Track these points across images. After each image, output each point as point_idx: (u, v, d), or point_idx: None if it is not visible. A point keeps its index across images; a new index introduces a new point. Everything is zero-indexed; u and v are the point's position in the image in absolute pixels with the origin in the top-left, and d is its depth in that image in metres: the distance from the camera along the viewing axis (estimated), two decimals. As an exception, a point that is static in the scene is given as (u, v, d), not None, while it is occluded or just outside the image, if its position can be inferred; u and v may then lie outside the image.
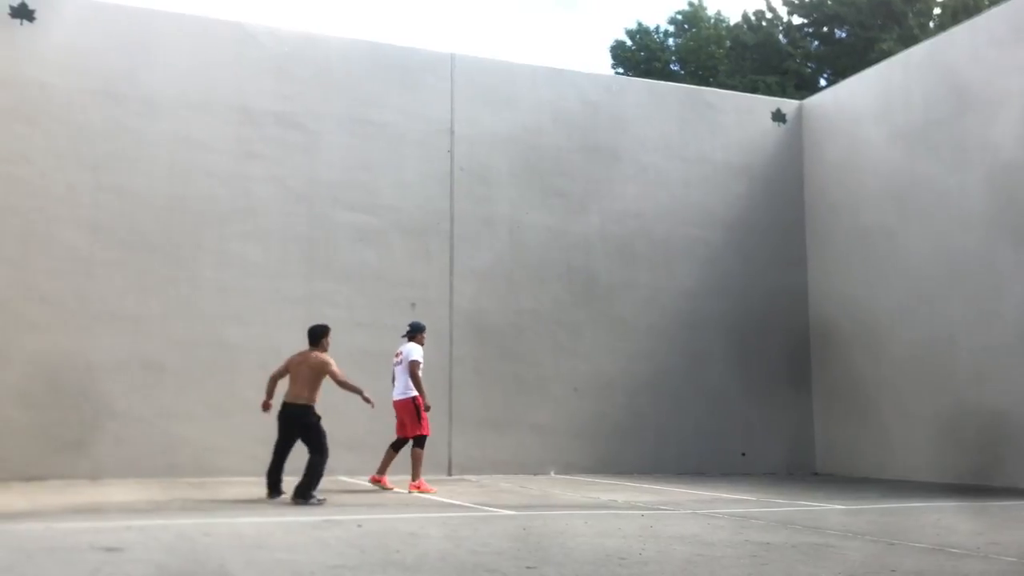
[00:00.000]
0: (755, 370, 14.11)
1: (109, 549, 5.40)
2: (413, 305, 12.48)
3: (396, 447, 10.17)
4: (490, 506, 8.38)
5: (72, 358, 10.85)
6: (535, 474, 12.26)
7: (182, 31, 12.05)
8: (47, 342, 10.80)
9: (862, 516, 7.96)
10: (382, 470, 10.11)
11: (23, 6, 11.29)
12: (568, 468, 12.05)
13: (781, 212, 14.77)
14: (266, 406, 9.04)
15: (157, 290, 11.39)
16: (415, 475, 9.85)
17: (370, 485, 10.21)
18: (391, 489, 9.87)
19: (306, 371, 8.93)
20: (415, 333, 10.28)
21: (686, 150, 14.41)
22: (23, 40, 11.23)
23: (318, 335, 9.26)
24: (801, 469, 14.08)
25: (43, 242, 11.01)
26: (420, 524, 6.96)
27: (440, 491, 9.89)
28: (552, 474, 12.01)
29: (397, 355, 10.24)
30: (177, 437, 11.07)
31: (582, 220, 13.63)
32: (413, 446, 9.93)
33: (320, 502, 8.42)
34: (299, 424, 8.88)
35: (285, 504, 8.43)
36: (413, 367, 9.95)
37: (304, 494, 8.44)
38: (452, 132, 13.07)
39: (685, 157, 14.38)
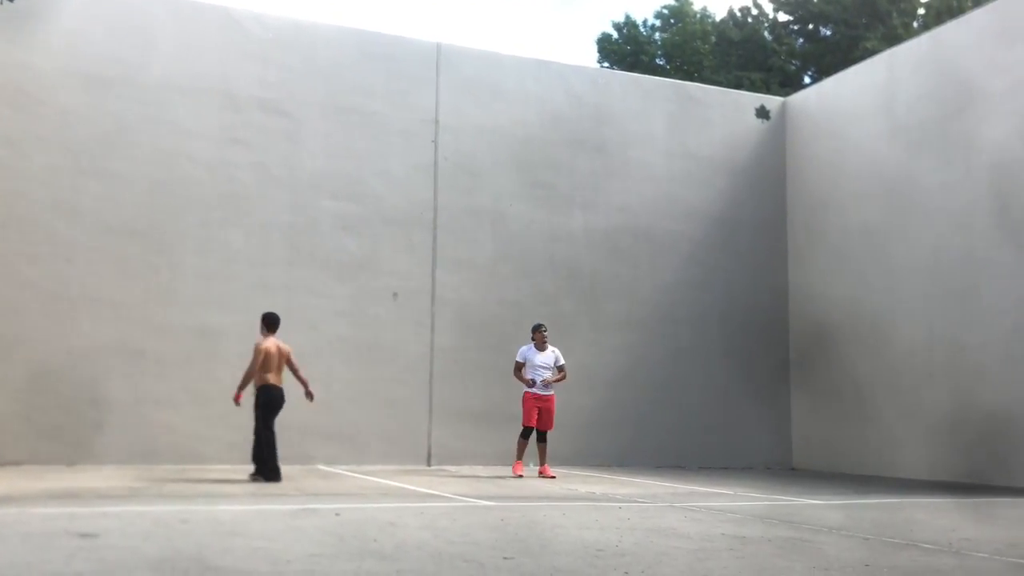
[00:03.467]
0: (735, 365, 14.20)
1: (84, 535, 5.38)
2: (395, 295, 12.48)
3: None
4: (469, 497, 8.40)
5: (52, 343, 10.78)
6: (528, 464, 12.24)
7: (168, 15, 11.95)
8: (26, 327, 10.72)
9: (838, 511, 8.03)
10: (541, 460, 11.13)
11: (5, -14, 11.17)
12: (548, 460, 12.08)
13: (764, 208, 14.85)
14: (238, 399, 9.41)
15: (138, 276, 11.32)
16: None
17: (358, 476, 10.24)
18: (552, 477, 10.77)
19: (280, 358, 9.46)
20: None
21: (671, 145, 14.44)
22: (5, 21, 11.10)
23: (278, 322, 9.69)
24: (779, 464, 14.19)
25: (23, 226, 10.92)
26: (398, 514, 6.97)
27: (419, 481, 9.91)
28: (531, 466, 12.03)
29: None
30: (156, 423, 11.03)
31: (566, 213, 13.65)
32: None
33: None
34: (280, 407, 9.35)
35: (263, 492, 8.42)
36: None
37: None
38: (437, 122, 13.04)
39: (670, 152, 14.42)
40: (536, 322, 11.45)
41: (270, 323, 9.68)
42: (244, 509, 7.08)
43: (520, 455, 11.11)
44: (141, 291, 11.29)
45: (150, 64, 11.73)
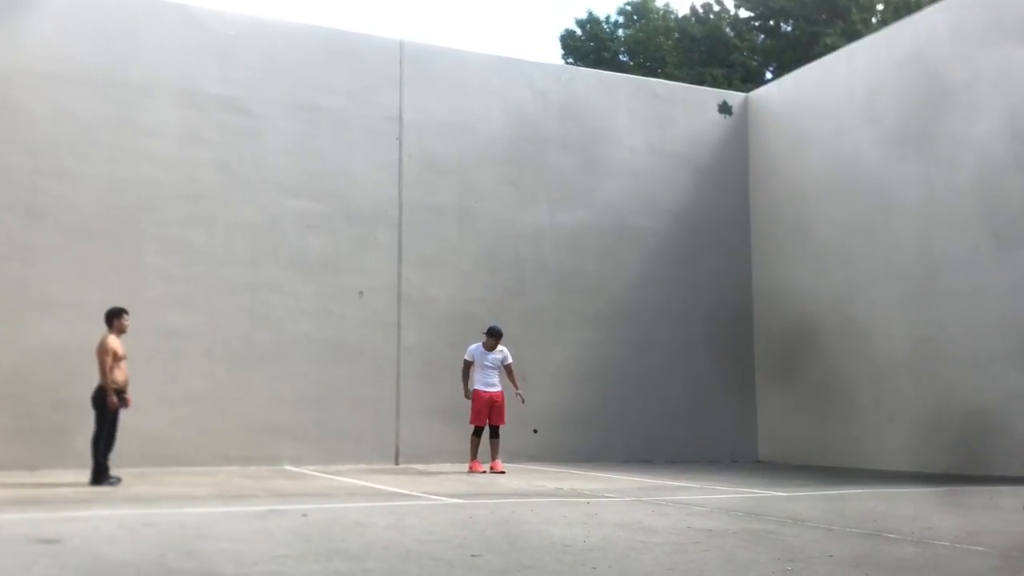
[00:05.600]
0: (701, 360, 14.31)
1: (46, 541, 5.30)
2: (361, 294, 12.42)
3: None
4: (437, 495, 8.38)
5: (10, 346, 10.60)
6: (483, 462, 12.26)
7: (127, 12, 11.79)
8: (-18, 329, 10.53)
9: (802, 503, 8.13)
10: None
11: (-43, -17, 10.95)
12: (515, 456, 12.10)
13: (727, 204, 14.97)
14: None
15: (98, 276, 11.15)
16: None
17: (325, 476, 10.18)
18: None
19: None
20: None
21: (634, 140, 14.51)
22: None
23: (107, 318, 9.22)
24: (745, 457, 14.32)
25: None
26: (366, 513, 6.94)
27: (387, 480, 9.88)
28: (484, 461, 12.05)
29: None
30: (119, 426, 10.86)
31: (531, 209, 13.66)
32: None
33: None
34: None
35: (229, 494, 8.35)
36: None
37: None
38: (401, 120, 12.99)
39: (634, 148, 14.48)
40: (494, 325, 11.41)
41: (109, 319, 9.23)
42: (210, 511, 7.02)
43: (475, 453, 11.13)
44: (101, 292, 11.09)
45: (109, 62, 11.56)
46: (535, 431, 12.28)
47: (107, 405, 8.92)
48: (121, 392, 9.04)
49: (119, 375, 9.05)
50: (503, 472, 10.85)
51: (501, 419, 11.23)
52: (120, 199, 11.41)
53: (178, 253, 11.58)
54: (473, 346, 11.36)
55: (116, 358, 9.05)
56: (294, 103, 12.45)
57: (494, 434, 11.19)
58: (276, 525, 6.15)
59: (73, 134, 11.29)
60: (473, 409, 11.16)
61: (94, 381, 9.03)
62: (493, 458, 11.11)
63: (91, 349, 9.26)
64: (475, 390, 11.18)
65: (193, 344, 11.45)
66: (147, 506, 7.25)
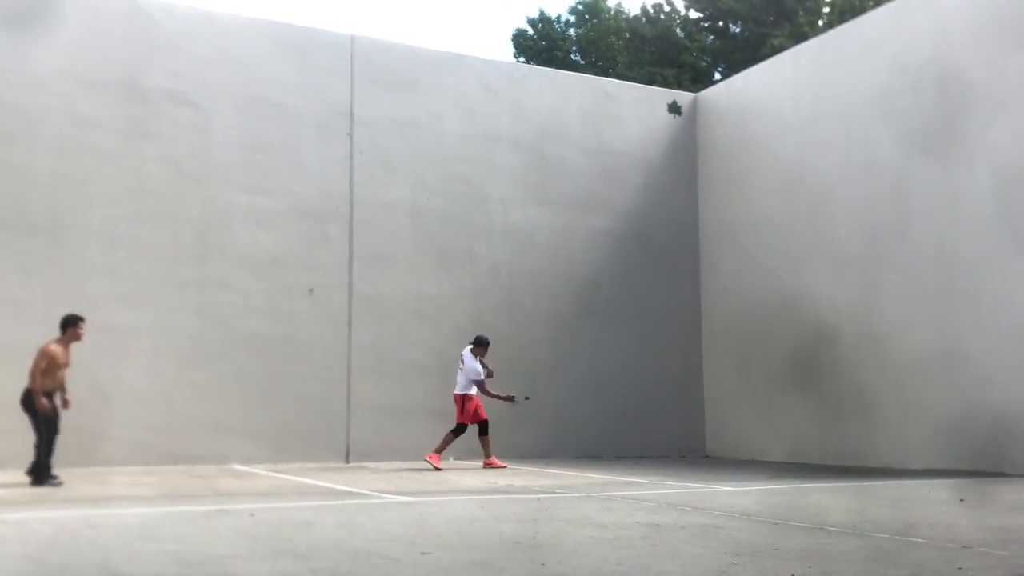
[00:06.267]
0: (650, 357, 14.45)
1: (-17, 543, 5.18)
2: (311, 291, 12.32)
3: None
4: (388, 493, 8.36)
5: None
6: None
7: (72, 3, 11.52)
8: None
9: (749, 497, 8.25)
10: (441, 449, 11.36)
11: None
12: (468, 453, 12.10)
13: (677, 203, 15.13)
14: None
15: (40, 272, 10.92)
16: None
17: (275, 475, 10.11)
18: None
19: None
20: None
21: (587, 140, 14.59)
22: None
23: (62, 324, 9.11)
24: (693, 452, 14.50)
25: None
26: (315, 512, 6.90)
27: (337, 478, 9.83)
28: (451, 459, 12.04)
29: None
30: (64, 424, 10.64)
31: (483, 207, 13.66)
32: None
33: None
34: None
35: (176, 494, 8.23)
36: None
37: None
38: (352, 115, 12.90)
39: (586, 147, 14.56)
40: (485, 338, 11.76)
41: (64, 325, 9.14)
42: (154, 512, 6.92)
43: (443, 448, 11.32)
44: (43, 288, 10.89)
45: (53, 54, 11.31)
46: (527, 398, 12.33)
47: (37, 407, 8.73)
48: (49, 395, 8.82)
49: (49, 380, 8.84)
50: (503, 466, 11.27)
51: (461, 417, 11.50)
52: (64, 193, 11.18)
53: (123, 249, 11.38)
54: (471, 360, 11.53)
55: (56, 365, 8.88)
56: (243, 97, 12.30)
57: (483, 431, 11.51)
58: (223, 525, 6.08)
59: (16, 127, 11.03)
60: (469, 409, 11.41)
61: (26, 378, 8.83)
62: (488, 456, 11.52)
63: (33, 346, 9.09)
64: (475, 396, 11.48)
65: (139, 342, 11.26)
66: (90, 507, 7.12)
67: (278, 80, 12.53)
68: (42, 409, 8.73)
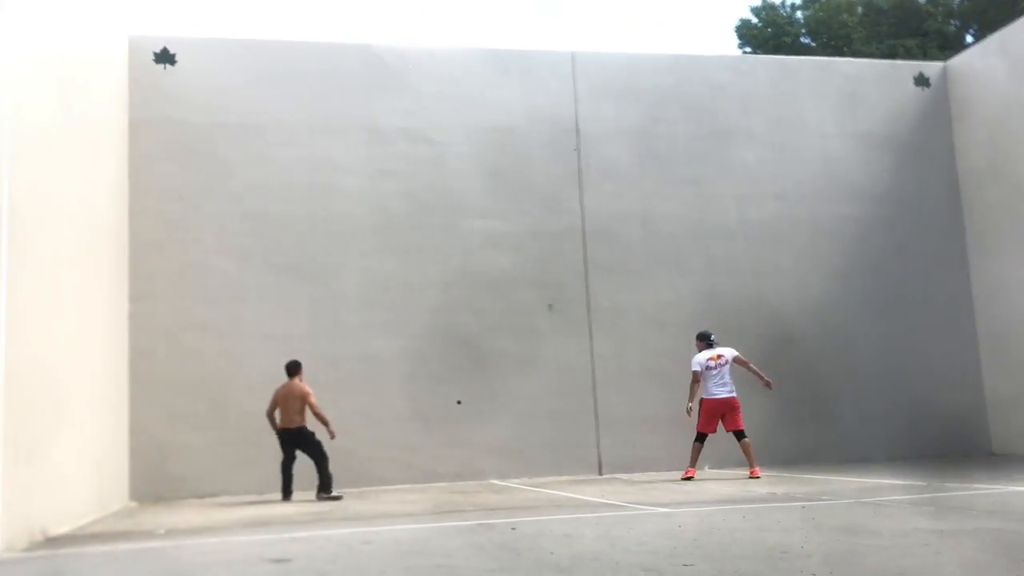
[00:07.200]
0: (913, 349, 13.36)
1: (277, 560, 5.61)
2: (550, 306, 12.50)
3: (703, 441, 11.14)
4: (643, 504, 8.25)
5: (229, 375, 11.40)
6: (700, 470, 11.98)
7: (314, 58, 12.45)
8: (209, 366, 11.39)
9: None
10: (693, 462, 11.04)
11: (165, 51, 11.96)
12: (723, 462, 11.74)
13: (931, 183, 13.97)
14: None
15: (303, 309, 11.78)
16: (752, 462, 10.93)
17: (531, 488, 10.32)
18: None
19: (293, 401, 10.23)
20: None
21: (824, 125, 13.82)
22: (164, 84, 11.87)
23: (296, 369, 10.47)
24: (978, 449, 13.24)
25: (198, 271, 11.61)
26: (574, 525, 6.92)
27: (591, 491, 9.84)
28: (707, 468, 11.73)
29: (719, 356, 11.13)
30: (337, 449, 11.44)
31: (718, 207, 13.27)
32: (743, 438, 11.00)
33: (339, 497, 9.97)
34: (297, 443, 10.26)
35: (441, 510, 8.57)
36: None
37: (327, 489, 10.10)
38: (578, 131, 12.99)
39: (824, 132, 13.80)
40: (700, 330, 11.52)
41: (287, 370, 10.43)
42: (423, 528, 7.22)
43: (693, 461, 10.99)
44: (307, 324, 11.77)
45: (301, 108, 12.21)
46: (458, 402, 11.93)
47: (330, 434, 10.27)
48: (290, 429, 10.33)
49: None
50: (758, 477, 10.60)
51: (734, 424, 11.00)
52: (318, 235, 12.05)
53: (375, 281, 12.09)
54: (697, 355, 11.28)
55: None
56: (473, 126, 12.72)
57: (739, 437, 11.01)
58: (486, 539, 6.24)
59: (272, 177, 12.04)
60: (699, 416, 11.13)
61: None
62: (749, 464, 10.89)
63: (303, 378, 10.11)
64: (701, 399, 11.13)
65: (395, 367, 11.90)
66: (365, 524, 7.55)
67: (504, 105, 12.86)
68: (332, 435, 10.25)
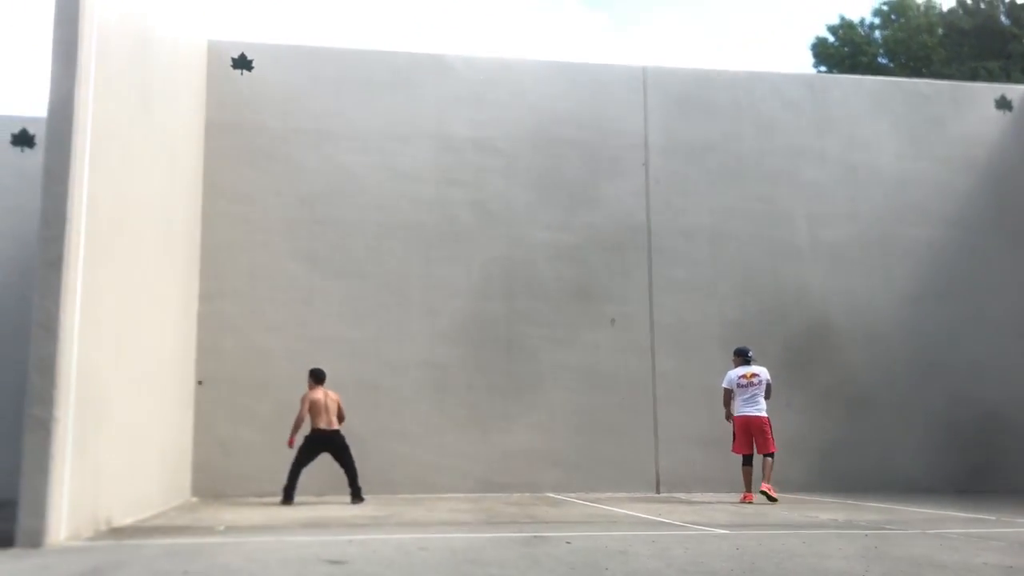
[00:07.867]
0: (989, 379, 12.99)
1: (334, 562, 5.65)
2: (613, 321, 12.44)
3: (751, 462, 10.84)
4: (701, 524, 8.13)
5: (291, 378, 11.57)
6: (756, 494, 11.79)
7: (388, 66, 12.60)
8: (276, 371, 11.57)
9: None
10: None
11: (242, 57, 12.24)
12: (784, 486, 11.52)
13: (1013, 206, 13.56)
14: (292, 442, 10.43)
15: (369, 314, 11.91)
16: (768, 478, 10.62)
17: (587, 503, 10.27)
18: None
19: (332, 404, 10.50)
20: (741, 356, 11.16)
21: (901, 146, 13.54)
22: (242, 89, 12.16)
23: (324, 376, 10.69)
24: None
25: (268, 273, 11.83)
26: (629, 542, 6.84)
27: (648, 509, 9.73)
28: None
29: (753, 375, 10.86)
30: (396, 455, 11.54)
31: (788, 226, 13.08)
32: (770, 457, 10.70)
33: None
34: (335, 446, 10.42)
35: (495, 520, 8.55)
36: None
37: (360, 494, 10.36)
38: (647, 145, 12.93)
39: (900, 153, 13.52)
40: (738, 346, 11.29)
41: (316, 377, 10.60)
42: (478, 537, 7.21)
43: (747, 485, 10.74)
44: (373, 329, 11.90)
45: (373, 116, 12.40)
46: (199, 382, 11.51)
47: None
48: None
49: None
50: (775, 499, 10.34)
51: (765, 447, 10.71)
52: (387, 242, 12.18)
53: (440, 289, 12.17)
54: (730, 371, 11.07)
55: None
56: (542, 138, 12.75)
57: (767, 454, 10.73)
58: (541, 552, 6.20)
59: (345, 184, 12.23)
60: (733, 437, 10.90)
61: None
62: (764, 479, 10.59)
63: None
64: (734, 416, 10.87)
65: (456, 375, 11.94)
66: (421, 531, 7.58)
67: (573, 118, 12.86)
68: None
